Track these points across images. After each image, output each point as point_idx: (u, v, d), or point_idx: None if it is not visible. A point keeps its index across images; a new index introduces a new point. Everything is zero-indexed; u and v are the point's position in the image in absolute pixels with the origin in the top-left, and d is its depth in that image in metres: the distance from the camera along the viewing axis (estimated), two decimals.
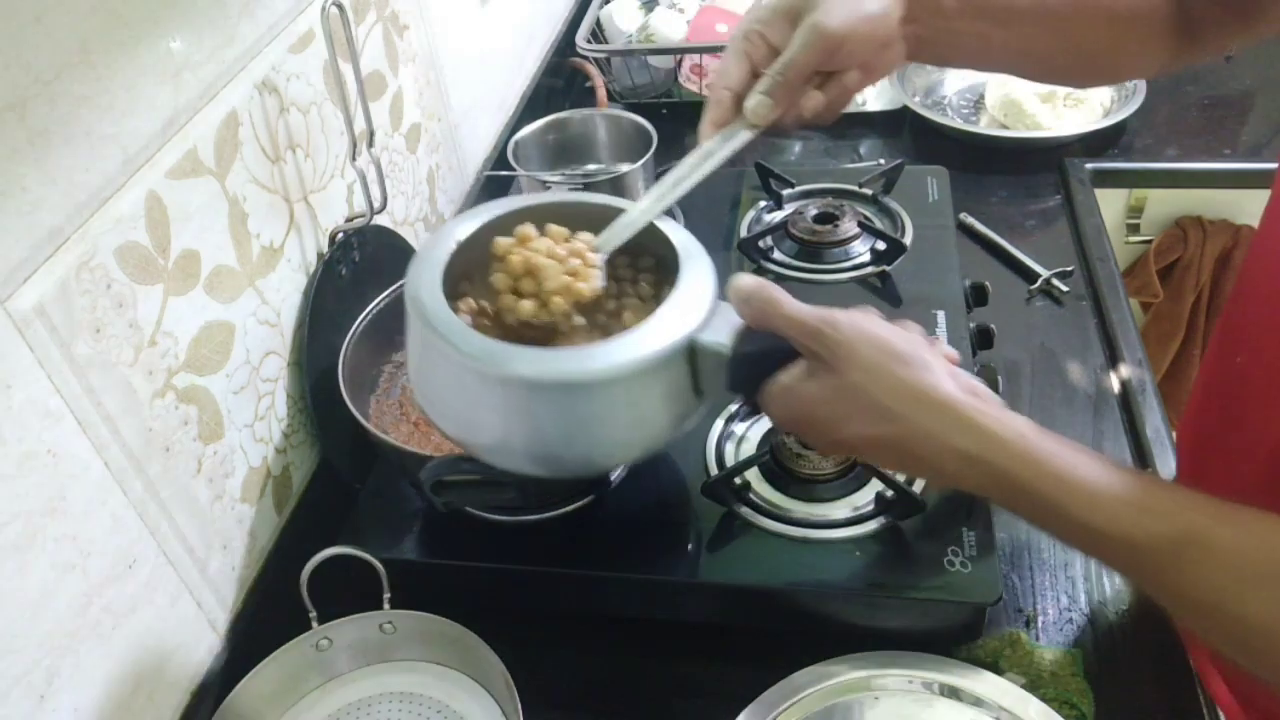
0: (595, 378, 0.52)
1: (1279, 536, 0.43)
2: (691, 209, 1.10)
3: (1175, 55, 0.67)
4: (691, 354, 0.53)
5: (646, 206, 0.60)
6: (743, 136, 0.61)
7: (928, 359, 0.50)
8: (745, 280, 0.53)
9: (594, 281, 0.57)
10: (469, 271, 0.61)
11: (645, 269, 0.62)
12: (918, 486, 0.73)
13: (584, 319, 0.58)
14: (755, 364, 0.53)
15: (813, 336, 0.50)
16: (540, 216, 0.60)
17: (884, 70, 0.63)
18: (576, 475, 0.57)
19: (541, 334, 0.58)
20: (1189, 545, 0.43)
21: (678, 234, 0.59)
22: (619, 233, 0.59)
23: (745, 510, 0.73)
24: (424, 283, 0.56)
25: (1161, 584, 0.45)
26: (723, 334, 0.53)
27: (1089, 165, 1.21)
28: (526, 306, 0.56)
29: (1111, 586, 0.75)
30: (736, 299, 0.54)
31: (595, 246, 0.59)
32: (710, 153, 0.61)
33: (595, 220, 0.60)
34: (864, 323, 0.51)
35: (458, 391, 0.55)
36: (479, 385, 0.53)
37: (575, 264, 0.57)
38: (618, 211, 0.60)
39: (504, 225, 0.60)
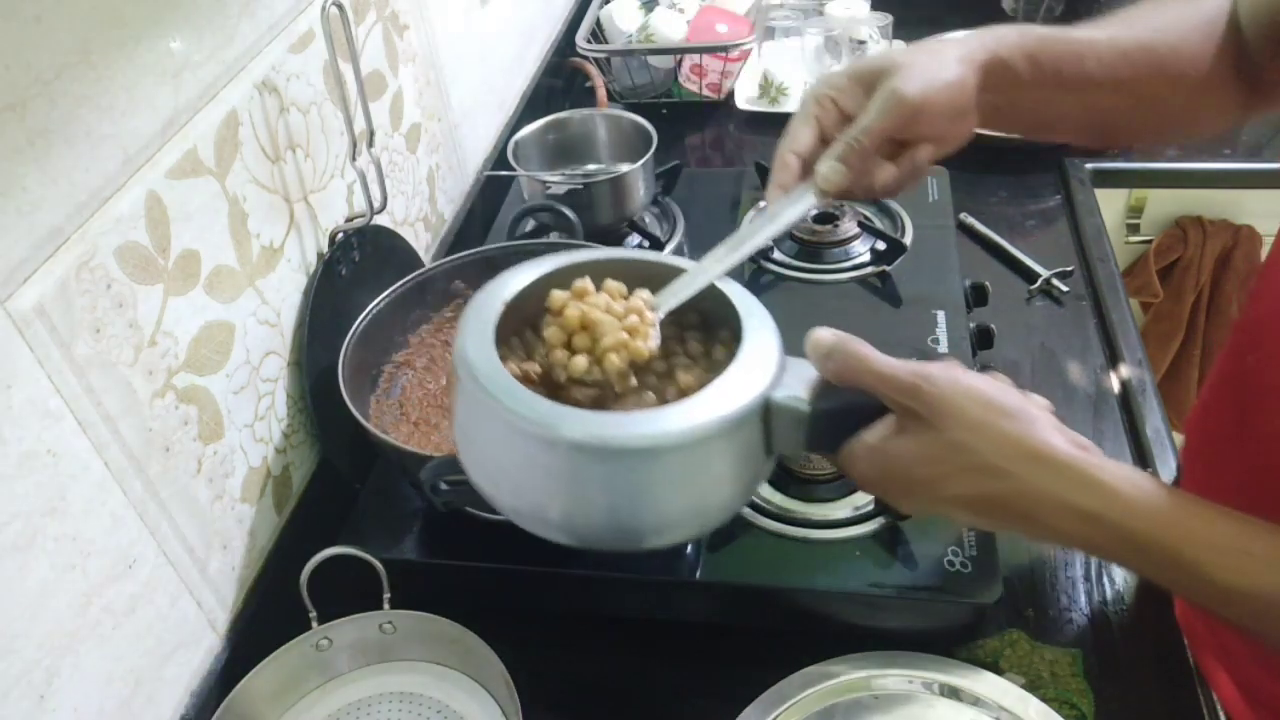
0: (674, 441, 0.48)
1: None
2: (692, 209, 1.10)
3: (1245, 110, 0.66)
4: (766, 413, 0.50)
5: (707, 267, 0.57)
6: (809, 201, 0.59)
7: (1033, 412, 0.48)
8: (825, 335, 0.51)
9: (651, 340, 0.54)
10: (518, 329, 0.58)
11: (691, 326, 0.59)
12: None
13: (635, 380, 0.55)
14: (837, 421, 0.50)
15: (908, 393, 0.48)
16: (594, 273, 0.57)
17: (957, 143, 0.61)
18: (647, 549, 0.53)
19: (591, 396, 0.55)
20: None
21: (734, 290, 0.57)
22: (678, 292, 0.56)
23: (745, 510, 0.73)
24: (475, 342, 0.52)
25: None
26: (798, 390, 0.50)
27: (1089, 165, 1.21)
28: (580, 363, 0.53)
29: (1111, 587, 0.75)
30: (816, 355, 0.51)
31: (653, 305, 0.56)
32: (775, 216, 0.59)
33: (651, 278, 0.58)
34: (961, 376, 0.48)
35: (517, 460, 0.50)
36: (544, 453, 0.49)
37: (633, 320, 0.54)
38: (674, 271, 0.58)
39: (557, 280, 0.57)
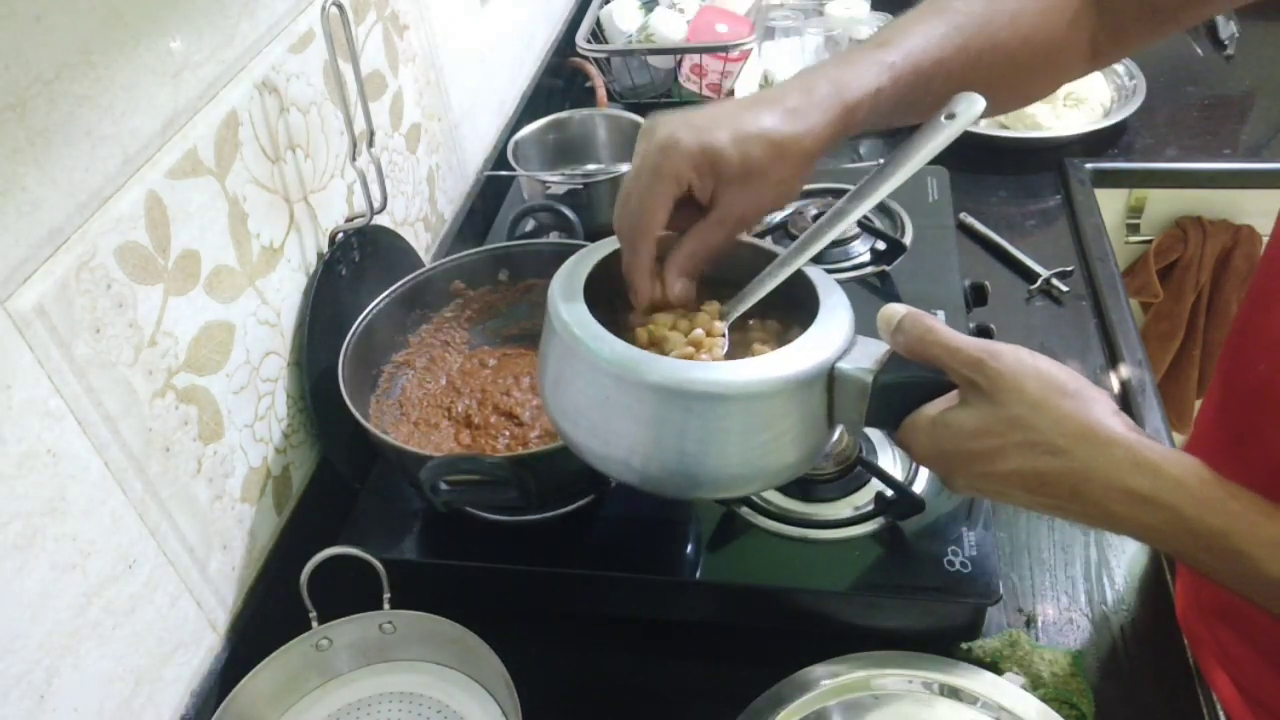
0: (736, 390, 0.51)
1: None
2: None
3: (1097, 57, 0.67)
4: (830, 382, 0.52)
5: (774, 271, 0.59)
6: (881, 192, 0.60)
7: (1092, 393, 0.48)
8: (896, 308, 0.52)
9: (717, 353, 0.56)
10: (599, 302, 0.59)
11: (774, 305, 0.61)
12: (918, 487, 0.73)
13: None
14: (900, 394, 0.52)
15: (973, 366, 0.49)
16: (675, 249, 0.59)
17: None
18: (704, 497, 0.56)
19: None
20: None
21: (815, 274, 0.59)
22: (744, 300, 0.59)
23: (745, 510, 0.73)
24: (566, 293, 0.56)
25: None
26: (865, 362, 0.52)
27: (1089, 165, 1.21)
28: None
29: (1111, 587, 0.75)
30: (886, 327, 0.52)
31: (722, 314, 0.59)
32: (842, 212, 0.58)
33: (739, 262, 0.60)
34: (1025, 355, 0.49)
35: (597, 401, 0.53)
36: (619, 392, 0.52)
37: (699, 334, 0.57)
38: (759, 252, 0.60)
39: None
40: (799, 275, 0.58)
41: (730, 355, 0.57)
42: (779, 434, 0.53)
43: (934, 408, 0.51)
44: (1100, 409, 0.48)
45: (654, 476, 0.54)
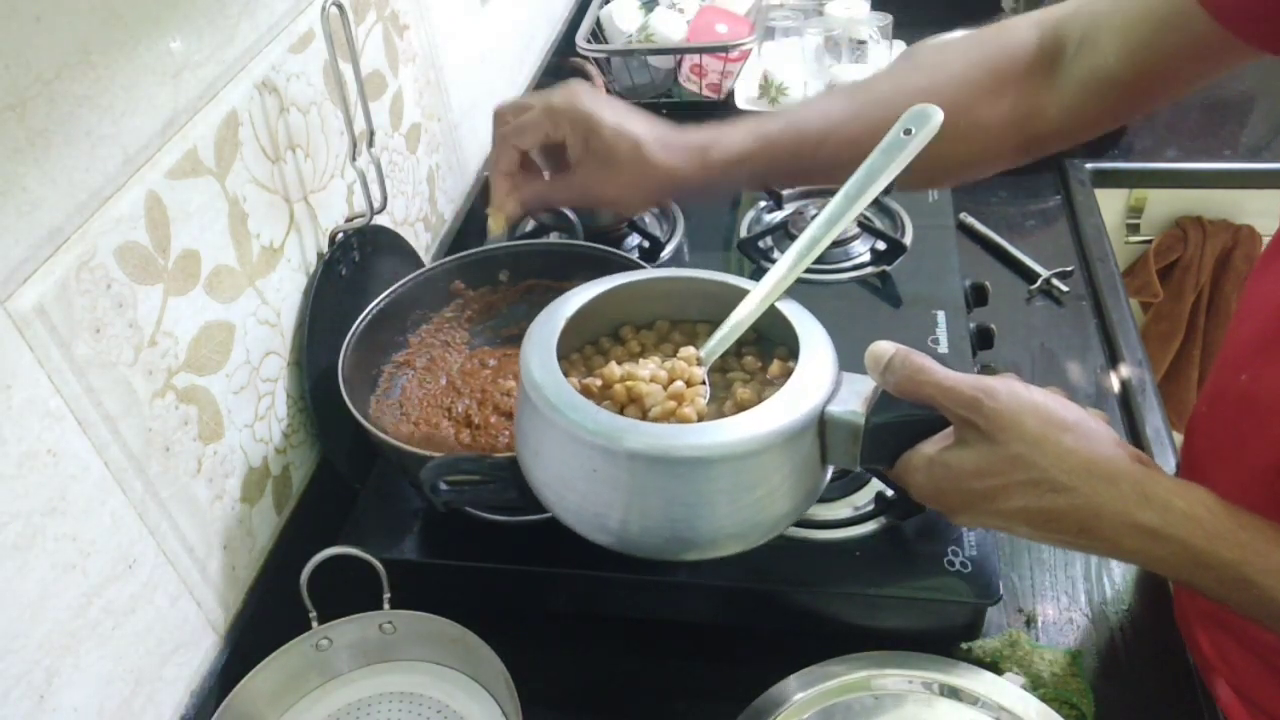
0: (724, 453, 0.49)
1: None
2: (692, 209, 1.10)
3: (1021, 154, 0.69)
4: (822, 427, 0.52)
5: (752, 310, 0.58)
6: (851, 217, 0.61)
7: (1093, 425, 0.48)
8: (885, 347, 0.52)
9: (699, 403, 0.56)
10: (580, 345, 0.62)
11: (748, 341, 0.61)
12: None
13: None
14: (893, 434, 0.51)
15: (969, 406, 0.48)
16: (651, 292, 0.61)
17: None
18: (700, 558, 0.55)
19: None
20: None
21: (790, 308, 0.58)
22: (722, 342, 0.58)
23: None
24: (539, 358, 0.54)
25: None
26: (854, 404, 0.52)
27: (1089, 165, 1.21)
28: None
29: (1111, 587, 0.75)
30: (876, 367, 0.52)
31: (699, 360, 0.58)
32: (813, 239, 0.59)
33: (710, 297, 0.61)
34: (1021, 390, 0.49)
35: (582, 473, 0.52)
36: (604, 463, 0.51)
37: (678, 387, 0.56)
38: (731, 290, 0.60)
39: (615, 298, 0.60)
40: (775, 310, 0.58)
41: (711, 399, 0.57)
42: (772, 489, 0.52)
43: (930, 446, 0.50)
44: (1102, 442, 0.47)
45: (648, 544, 0.53)
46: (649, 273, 0.63)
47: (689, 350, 0.59)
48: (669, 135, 0.67)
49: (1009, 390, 0.48)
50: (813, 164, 0.66)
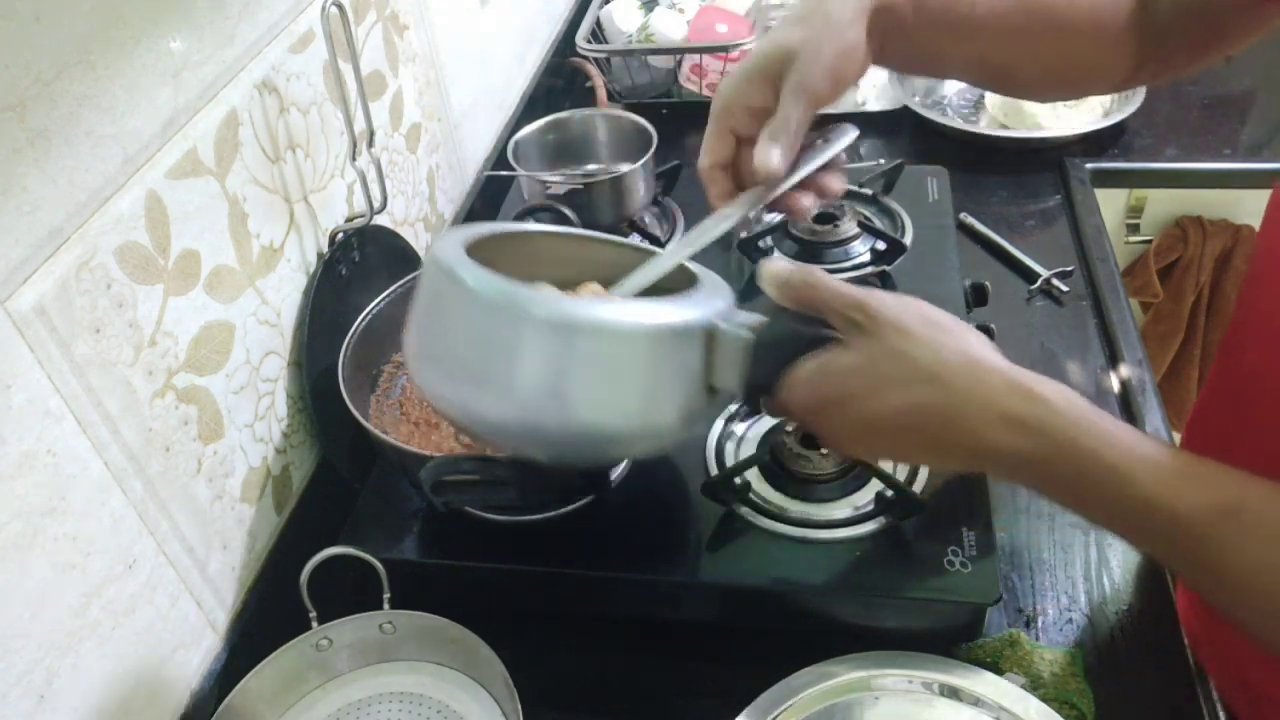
0: (613, 324, 0.49)
1: None
2: (692, 209, 1.10)
3: (1134, 72, 0.68)
4: (710, 341, 0.52)
5: (659, 264, 0.59)
6: (755, 199, 0.61)
7: (971, 330, 0.50)
8: (782, 263, 0.53)
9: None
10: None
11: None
12: (918, 486, 0.73)
13: None
14: (779, 350, 0.52)
15: (856, 305, 0.50)
16: (552, 247, 0.61)
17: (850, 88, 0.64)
18: (577, 456, 0.53)
19: None
20: (1235, 514, 0.42)
21: (699, 268, 0.59)
22: (626, 286, 0.58)
23: (745, 510, 0.73)
24: (446, 244, 0.54)
25: (1200, 558, 0.44)
26: (744, 323, 0.52)
27: (1089, 165, 1.21)
28: None
29: (1111, 586, 0.75)
30: (774, 282, 0.53)
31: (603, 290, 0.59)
32: (726, 215, 0.61)
33: (612, 264, 0.60)
34: (908, 299, 0.50)
35: (468, 339, 0.51)
36: (495, 324, 0.50)
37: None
38: (634, 253, 0.60)
39: (505, 242, 0.60)
40: (686, 274, 0.58)
41: None
42: (654, 382, 0.51)
43: (814, 358, 0.51)
44: (976, 341, 0.49)
45: (518, 427, 0.51)
46: (569, 230, 0.63)
47: (594, 285, 0.59)
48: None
49: (895, 297, 0.50)
50: (960, 26, 0.64)
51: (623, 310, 0.50)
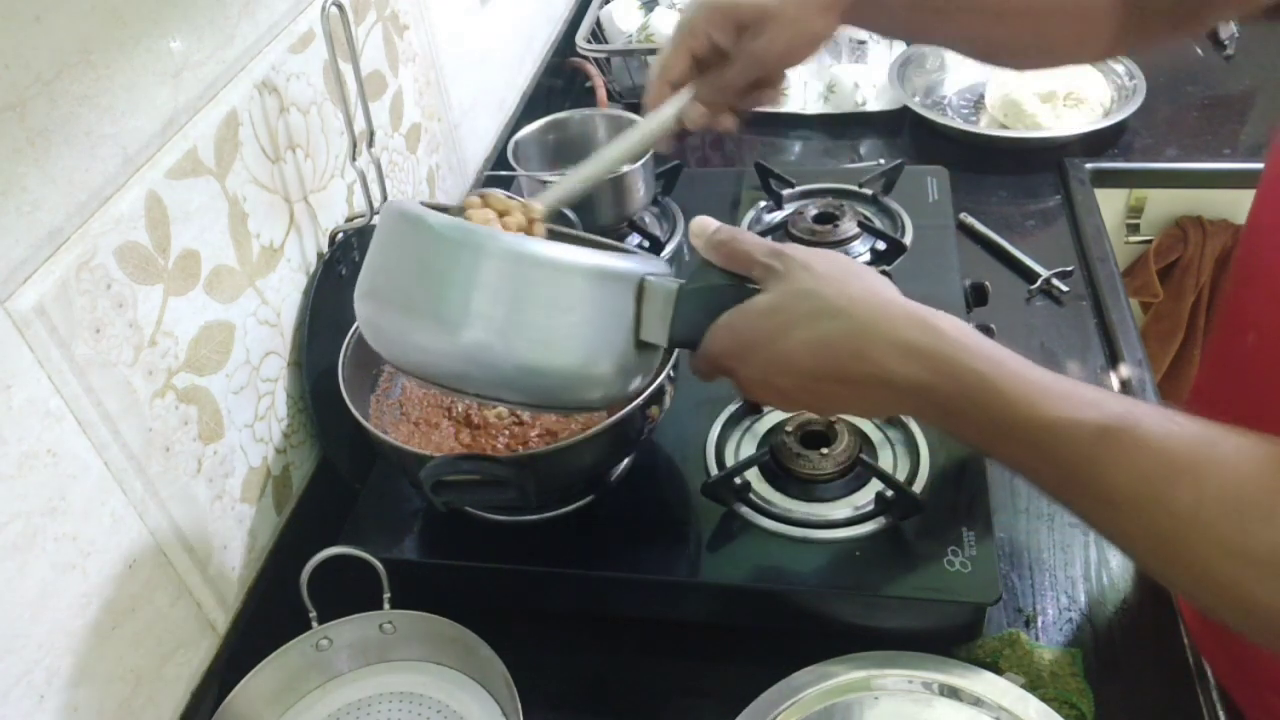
0: (548, 257, 0.52)
1: (1211, 430, 0.43)
2: (692, 209, 1.10)
3: (1115, 44, 0.70)
4: (640, 294, 0.55)
5: (585, 174, 0.67)
6: (667, 119, 0.69)
7: (877, 276, 0.53)
8: (711, 220, 0.57)
9: (541, 233, 0.61)
10: None
11: None
12: (918, 487, 0.73)
13: None
14: (704, 300, 0.54)
15: (773, 254, 0.53)
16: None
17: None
18: (511, 391, 0.56)
19: None
20: (1120, 432, 0.43)
21: (640, 253, 0.65)
22: (556, 196, 0.65)
23: (745, 510, 0.73)
24: (400, 200, 0.59)
25: (1088, 477, 0.45)
26: (671, 279, 0.56)
27: (1089, 165, 1.21)
28: None
29: (1111, 586, 0.75)
30: (701, 234, 0.56)
31: (544, 215, 0.63)
32: (638, 127, 0.69)
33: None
34: (823, 249, 0.55)
35: (414, 270, 0.54)
36: (441, 256, 0.53)
37: (520, 220, 0.60)
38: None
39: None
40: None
41: None
42: (587, 320, 0.53)
43: (734, 308, 0.54)
44: (881, 283, 0.52)
45: (458, 356, 0.53)
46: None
47: (532, 206, 0.63)
48: None
49: (809, 248, 0.54)
50: (944, 6, 0.68)
51: (562, 248, 0.53)
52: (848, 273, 0.52)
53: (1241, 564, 0.40)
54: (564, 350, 0.53)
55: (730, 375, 0.55)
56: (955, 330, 0.49)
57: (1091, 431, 0.44)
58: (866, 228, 0.98)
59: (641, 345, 0.56)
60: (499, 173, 1.18)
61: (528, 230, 0.61)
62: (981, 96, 1.35)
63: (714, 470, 0.76)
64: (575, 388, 0.56)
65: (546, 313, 0.53)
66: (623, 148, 0.69)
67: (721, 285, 0.55)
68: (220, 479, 0.71)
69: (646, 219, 1.09)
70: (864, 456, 0.74)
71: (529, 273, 0.52)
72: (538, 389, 0.55)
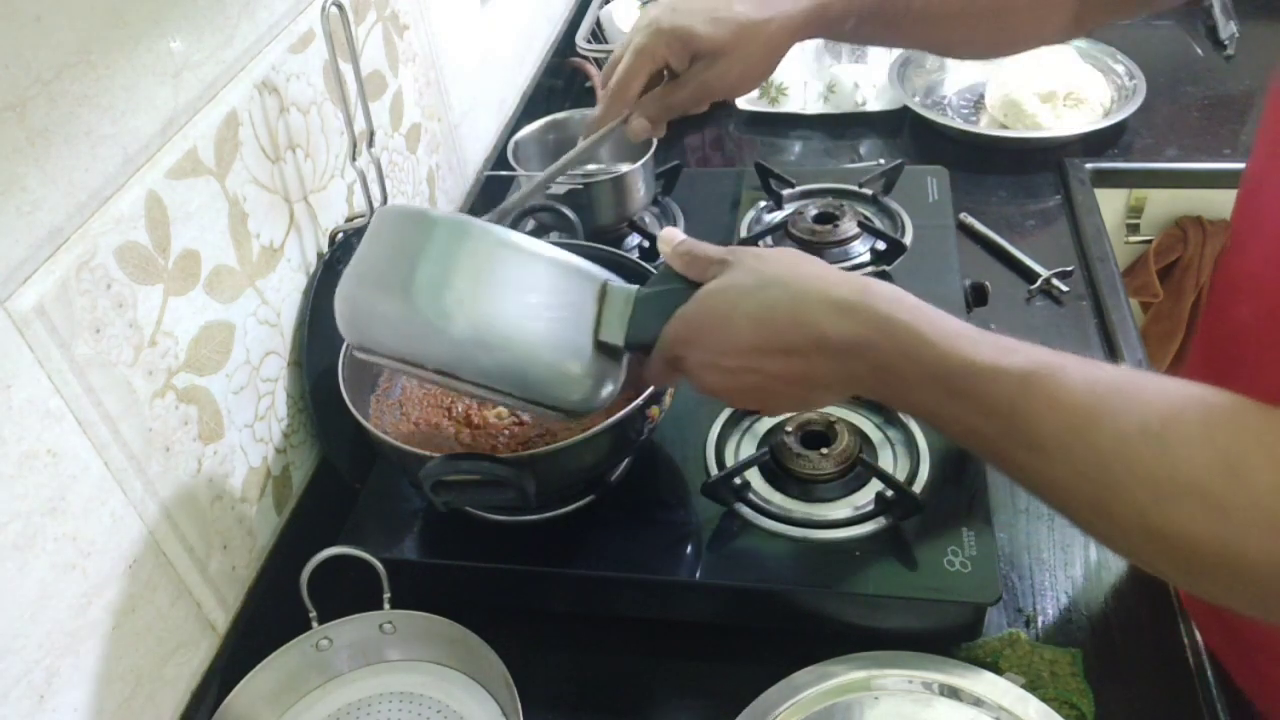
0: (520, 242, 0.56)
1: (1134, 373, 0.45)
2: (692, 209, 1.10)
3: (1073, 28, 0.75)
4: (602, 298, 0.58)
5: (536, 185, 0.72)
6: (611, 129, 0.76)
7: (821, 261, 0.56)
8: (676, 231, 0.59)
9: None
10: None
11: None
12: (918, 487, 0.73)
13: None
14: (659, 304, 0.57)
15: (727, 252, 0.56)
16: None
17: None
18: (478, 374, 0.57)
19: None
20: (1045, 376, 0.45)
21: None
22: (514, 204, 0.73)
23: (745, 510, 0.73)
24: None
25: (1018, 423, 0.46)
26: (632, 286, 0.59)
27: (1089, 165, 1.21)
28: None
29: (1111, 586, 0.75)
30: (669, 242, 0.59)
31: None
32: (591, 145, 0.75)
33: None
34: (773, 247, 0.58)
35: (392, 254, 0.57)
36: (430, 239, 0.56)
37: None
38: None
39: None
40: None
41: None
42: (544, 305, 0.56)
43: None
44: (825, 263, 0.56)
45: (414, 321, 0.55)
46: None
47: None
48: (770, 7, 0.71)
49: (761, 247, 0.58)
50: (898, 22, 0.72)
51: (533, 240, 0.58)
52: (795, 256, 0.55)
53: (1170, 498, 0.41)
54: (524, 330, 0.56)
55: (682, 366, 0.57)
56: (887, 289, 0.51)
57: (1018, 376, 0.46)
58: (866, 228, 0.98)
59: (601, 346, 0.58)
60: (499, 173, 1.18)
61: None
62: (981, 96, 1.35)
63: (714, 470, 0.76)
64: (532, 373, 0.57)
65: (510, 290, 0.55)
66: (564, 161, 0.75)
67: (678, 288, 0.57)
68: (220, 479, 0.71)
69: (646, 219, 1.09)
70: (864, 456, 0.74)
71: (498, 252, 0.56)
72: (497, 369, 0.56)
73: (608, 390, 0.60)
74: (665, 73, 0.74)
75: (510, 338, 0.55)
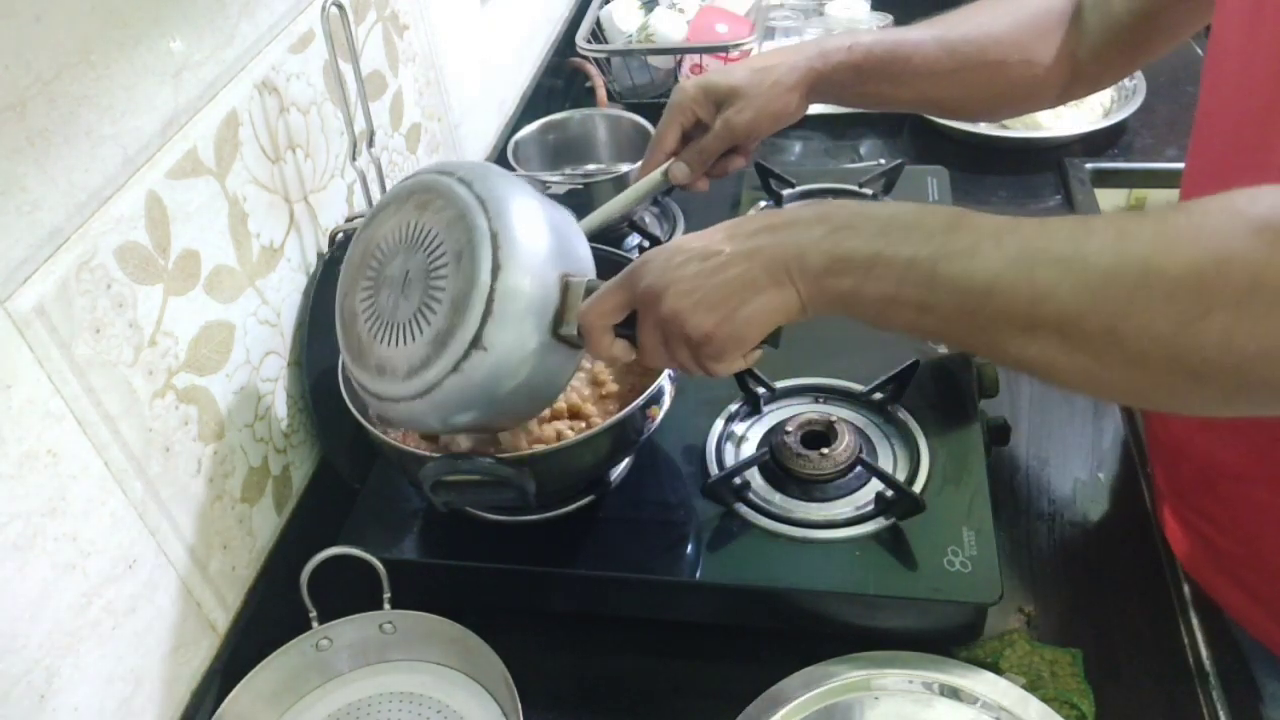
0: (500, 208, 0.60)
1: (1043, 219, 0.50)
2: (692, 209, 1.10)
3: (1067, 91, 0.82)
4: (564, 290, 0.60)
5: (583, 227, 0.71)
6: (660, 182, 0.85)
7: None
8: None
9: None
10: None
11: None
12: (918, 486, 0.73)
13: None
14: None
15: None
16: None
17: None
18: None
19: None
20: (963, 220, 0.51)
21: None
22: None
23: (745, 510, 0.73)
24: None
25: (951, 272, 0.49)
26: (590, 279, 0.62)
27: (1089, 165, 1.21)
28: None
29: (1112, 586, 0.75)
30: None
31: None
32: (636, 187, 0.85)
33: None
34: None
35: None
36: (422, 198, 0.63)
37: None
38: None
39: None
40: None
41: None
42: (527, 275, 0.59)
43: None
44: None
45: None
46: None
47: None
48: (772, 54, 0.82)
49: None
50: (905, 71, 0.80)
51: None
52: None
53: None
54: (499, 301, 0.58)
55: (634, 298, 0.58)
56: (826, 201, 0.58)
57: (943, 223, 0.51)
58: None
59: (559, 338, 0.60)
60: None
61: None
62: None
63: (714, 470, 0.76)
64: (496, 355, 0.59)
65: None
66: (619, 204, 0.85)
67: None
68: (220, 479, 0.71)
69: (647, 219, 1.09)
70: (864, 456, 0.74)
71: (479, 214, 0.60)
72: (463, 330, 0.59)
73: (560, 377, 0.63)
74: (698, 126, 0.83)
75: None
